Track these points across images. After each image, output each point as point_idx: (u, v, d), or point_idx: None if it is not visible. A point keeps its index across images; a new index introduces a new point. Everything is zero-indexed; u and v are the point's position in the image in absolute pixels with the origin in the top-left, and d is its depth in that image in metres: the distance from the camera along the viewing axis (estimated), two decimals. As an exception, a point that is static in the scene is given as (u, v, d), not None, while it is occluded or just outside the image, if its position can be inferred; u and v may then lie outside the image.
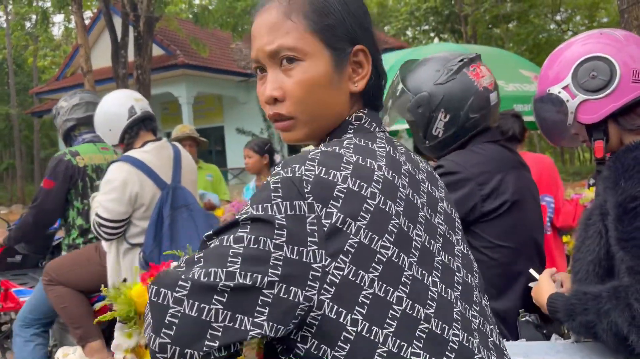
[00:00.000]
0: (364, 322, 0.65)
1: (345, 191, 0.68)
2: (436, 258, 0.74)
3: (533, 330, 1.36)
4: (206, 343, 0.62)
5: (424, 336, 0.67)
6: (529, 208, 1.51)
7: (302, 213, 0.66)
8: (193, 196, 2.53)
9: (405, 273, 0.68)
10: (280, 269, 0.64)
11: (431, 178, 0.83)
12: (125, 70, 11.51)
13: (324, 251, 0.65)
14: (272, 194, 0.67)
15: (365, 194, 0.69)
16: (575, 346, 1.20)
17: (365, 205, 0.68)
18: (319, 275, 0.65)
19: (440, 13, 21.75)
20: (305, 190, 0.67)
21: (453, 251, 0.79)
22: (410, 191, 0.75)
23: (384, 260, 0.67)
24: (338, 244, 0.65)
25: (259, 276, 0.63)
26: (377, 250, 0.67)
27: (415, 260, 0.70)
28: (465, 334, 0.71)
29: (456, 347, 0.69)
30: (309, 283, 0.64)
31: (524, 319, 1.39)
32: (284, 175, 0.69)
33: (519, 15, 19.37)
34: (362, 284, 0.66)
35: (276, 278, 0.63)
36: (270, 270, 0.63)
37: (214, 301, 0.63)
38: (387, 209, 0.69)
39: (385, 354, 0.65)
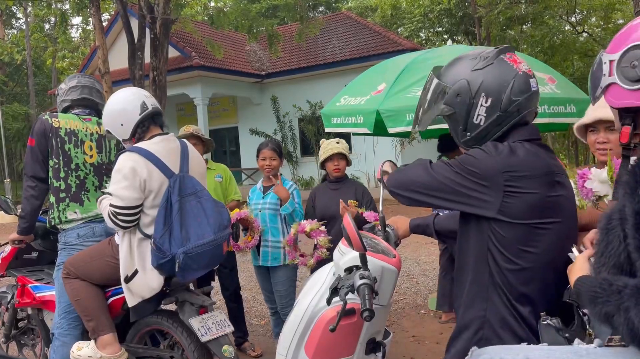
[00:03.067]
0: None
1: None
2: None
3: (555, 334, 1.32)
4: None
5: None
6: (568, 213, 1.46)
7: None
8: (201, 185, 2.58)
9: None
10: None
11: None
12: (142, 72, 11.66)
13: None
14: None
15: None
16: (598, 351, 1.16)
17: None
18: None
19: (454, 15, 21.66)
20: None
21: None
22: None
23: None
24: None
25: None
26: None
27: None
28: None
29: None
30: None
31: (545, 322, 1.35)
32: None
33: (533, 17, 19.21)
34: None
35: None
36: None
37: None
38: None
39: None
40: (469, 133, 1.48)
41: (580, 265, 1.26)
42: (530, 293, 1.40)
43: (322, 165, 3.38)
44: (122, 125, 2.57)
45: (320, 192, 3.41)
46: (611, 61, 1.20)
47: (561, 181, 1.44)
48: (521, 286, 1.40)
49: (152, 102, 2.61)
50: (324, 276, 1.77)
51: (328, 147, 3.30)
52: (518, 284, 1.40)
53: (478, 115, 1.44)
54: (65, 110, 2.97)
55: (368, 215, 3.11)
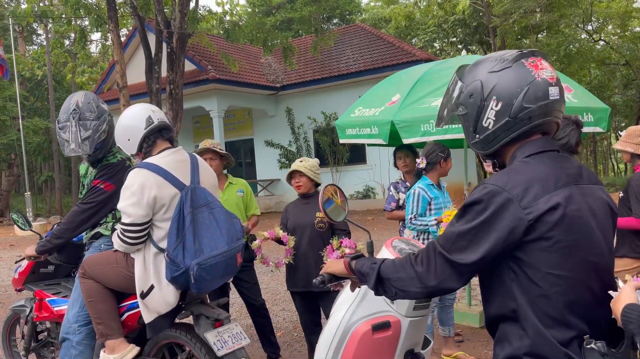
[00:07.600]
0: None
1: None
2: None
3: None
4: None
5: None
6: (588, 228, 1.33)
7: None
8: (213, 196, 2.57)
9: None
10: None
11: None
12: (159, 85, 11.84)
13: None
14: None
15: None
16: None
17: None
18: None
19: (468, 25, 21.62)
20: None
21: None
22: None
23: None
24: None
25: None
26: None
27: None
28: None
29: None
30: None
31: (588, 346, 1.24)
32: None
33: (548, 26, 19.09)
34: None
35: None
36: None
37: None
38: None
39: None
40: (478, 136, 1.44)
41: (627, 293, 1.19)
42: (565, 317, 1.29)
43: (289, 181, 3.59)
44: (129, 140, 2.59)
45: (293, 206, 3.61)
46: None
47: (577, 192, 1.34)
48: (554, 311, 1.29)
49: (158, 117, 2.61)
50: (357, 290, 1.74)
51: (293, 165, 3.54)
52: (550, 310, 1.29)
53: (487, 118, 1.40)
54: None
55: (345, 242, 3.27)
